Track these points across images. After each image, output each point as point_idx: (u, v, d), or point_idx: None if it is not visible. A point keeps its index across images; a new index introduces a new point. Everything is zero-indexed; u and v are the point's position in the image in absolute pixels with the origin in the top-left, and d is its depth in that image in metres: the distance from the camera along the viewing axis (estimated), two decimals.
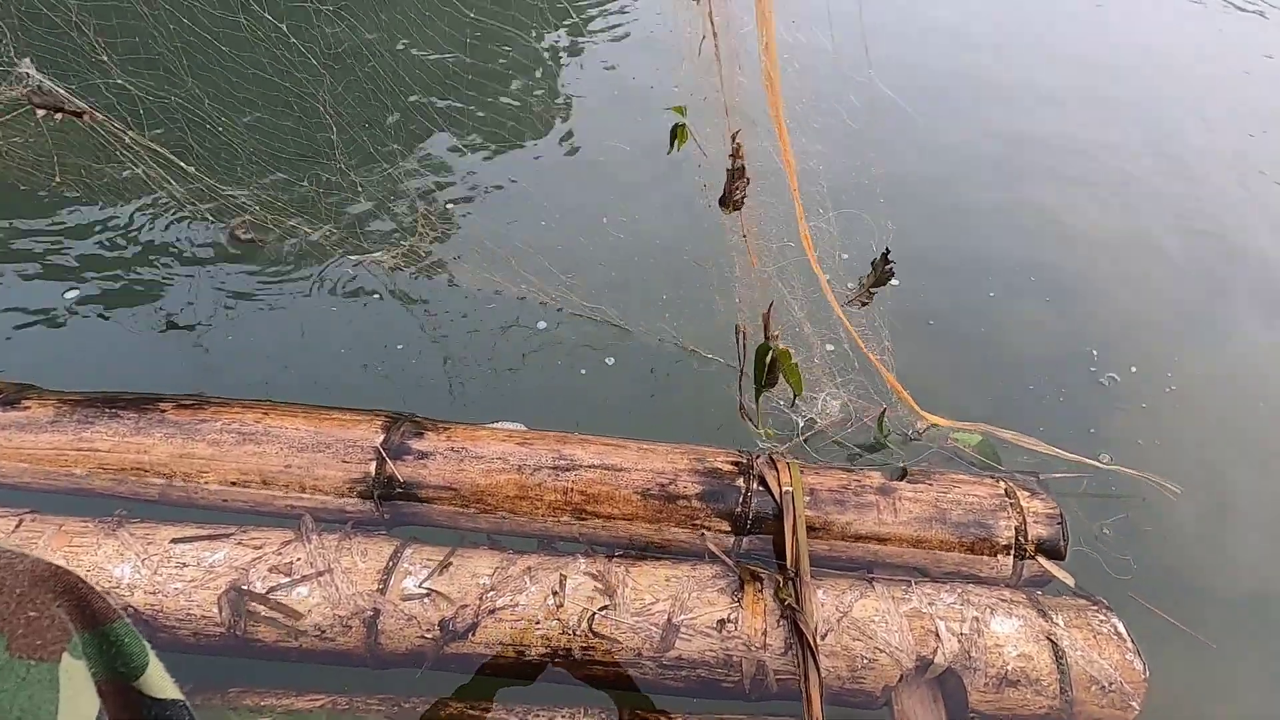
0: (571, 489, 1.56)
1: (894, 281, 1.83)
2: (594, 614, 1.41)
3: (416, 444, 1.60)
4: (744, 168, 1.62)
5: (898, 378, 1.92)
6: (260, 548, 1.46)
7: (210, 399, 1.67)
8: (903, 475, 1.68)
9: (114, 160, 2.24)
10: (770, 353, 1.78)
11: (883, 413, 2.07)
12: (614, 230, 2.68)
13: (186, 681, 1.35)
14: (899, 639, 1.41)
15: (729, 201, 1.68)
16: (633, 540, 1.58)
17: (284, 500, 1.56)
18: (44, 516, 1.50)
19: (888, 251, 1.76)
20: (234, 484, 1.55)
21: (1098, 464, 1.98)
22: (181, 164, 2.25)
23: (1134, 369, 2.35)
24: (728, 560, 1.52)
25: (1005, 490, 1.66)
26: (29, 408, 1.59)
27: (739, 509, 1.57)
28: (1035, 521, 1.61)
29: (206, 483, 1.55)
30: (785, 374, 1.80)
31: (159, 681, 0.51)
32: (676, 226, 2.69)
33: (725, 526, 1.57)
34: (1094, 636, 1.45)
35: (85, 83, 2.12)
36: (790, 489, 1.58)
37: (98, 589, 0.50)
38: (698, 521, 1.57)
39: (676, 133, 1.61)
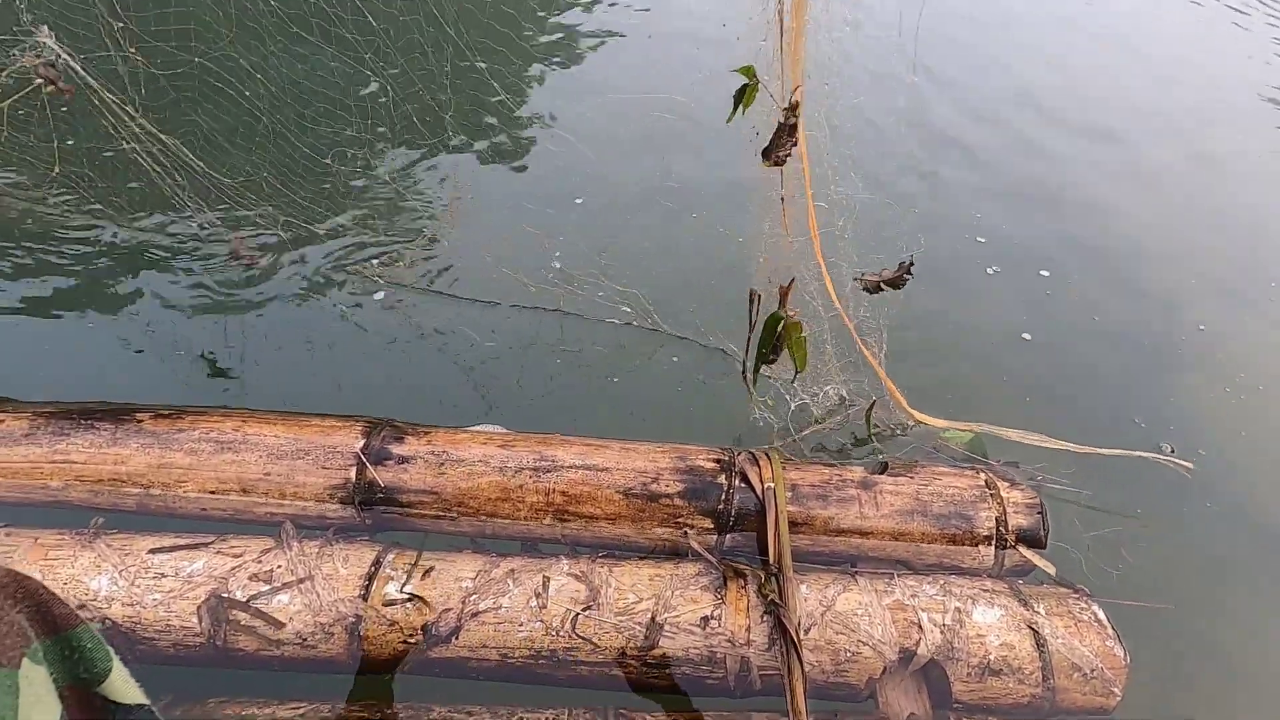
0: (553, 490, 1.56)
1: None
2: (577, 615, 1.41)
3: (397, 449, 1.59)
4: (796, 126, 1.61)
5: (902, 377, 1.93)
6: (240, 556, 1.45)
7: (188, 408, 1.65)
8: (884, 469, 1.69)
9: (117, 145, 2.16)
10: (781, 323, 1.74)
11: (871, 405, 2.06)
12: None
13: (166, 693, 1.33)
14: (882, 631, 1.42)
15: (772, 154, 1.66)
16: (616, 540, 1.58)
17: (264, 508, 1.55)
18: (19, 529, 1.48)
19: (912, 263, 1.79)
20: (213, 493, 1.54)
21: (1101, 451, 1.98)
22: (188, 154, 2.17)
23: None
24: (710, 558, 1.52)
25: (985, 481, 1.67)
26: (2, 420, 1.58)
27: (721, 506, 1.57)
28: (1015, 511, 1.62)
29: (185, 492, 1.54)
30: (791, 348, 1.76)
31: (122, 687, 0.51)
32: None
33: (708, 524, 1.57)
34: (1075, 624, 1.46)
35: (98, 57, 2.06)
36: (772, 485, 1.58)
37: (59, 595, 0.50)
38: (680, 519, 1.57)
39: (744, 95, 1.58)
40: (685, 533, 1.57)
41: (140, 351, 2.20)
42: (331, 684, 1.41)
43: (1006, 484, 1.67)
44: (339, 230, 2.61)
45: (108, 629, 1.36)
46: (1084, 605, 1.50)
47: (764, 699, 1.41)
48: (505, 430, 1.71)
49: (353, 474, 1.55)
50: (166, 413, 1.63)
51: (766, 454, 1.67)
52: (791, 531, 1.56)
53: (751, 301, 1.80)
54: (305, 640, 1.38)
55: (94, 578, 1.39)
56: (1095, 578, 1.73)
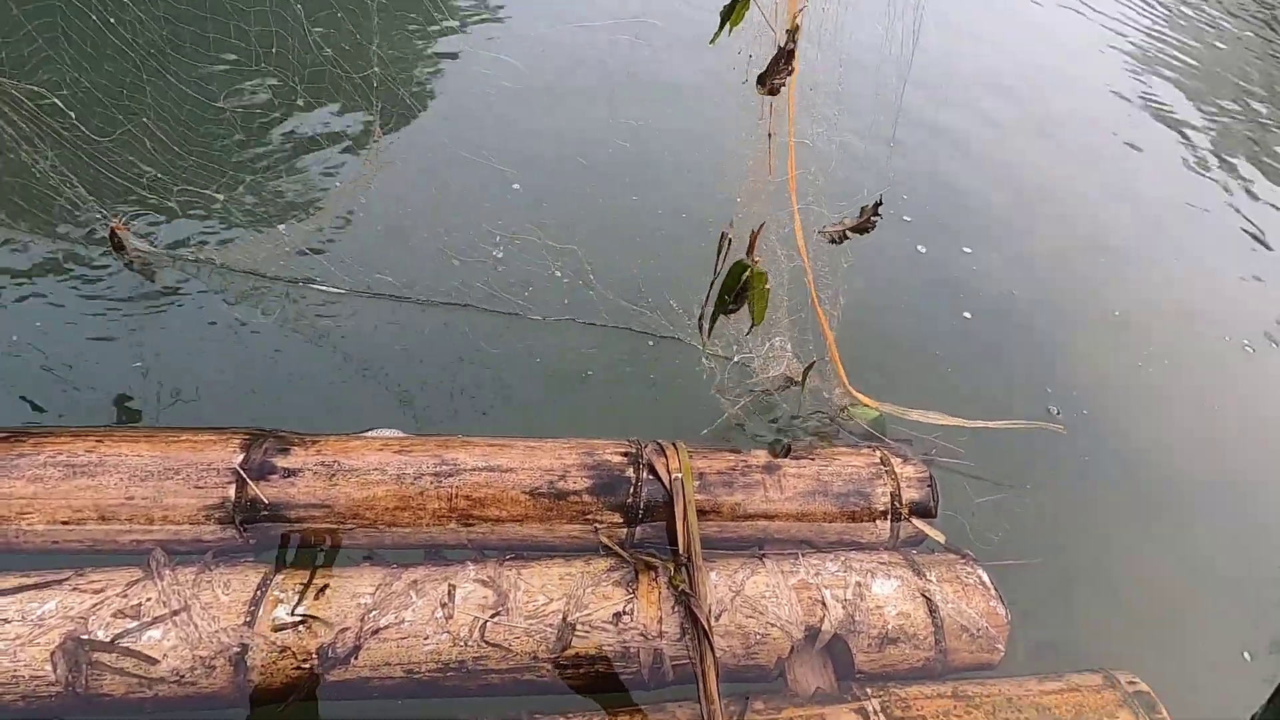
0: (456, 494, 1.50)
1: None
2: (485, 622, 1.36)
3: (282, 461, 1.48)
4: (794, 52, 1.51)
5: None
6: (101, 591, 1.30)
7: (30, 430, 1.47)
8: (787, 452, 1.73)
9: None
10: (747, 271, 1.65)
11: (810, 366, 2.05)
12: None
13: None
14: (789, 612, 1.46)
15: (768, 81, 1.56)
16: (524, 541, 1.54)
17: (128, 535, 1.41)
18: None
19: (880, 203, 1.70)
20: (65, 523, 1.38)
21: (990, 424, 2.10)
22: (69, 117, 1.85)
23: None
24: (621, 552, 1.51)
25: (881, 459, 1.75)
26: None
27: (630, 499, 1.56)
28: (908, 485, 1.71)
29: (30, 524, 1.37)
30: (753, 298, 1.69)
31: None
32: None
33: (617, 518, 1.56)
34: (963, 588, 1.55)
35: None
36: (679, 475, 1.59)
37: None
38: (589, 516, 1.55)
39: (733, 11, 1.47)
40: (595, 529, 1.55)
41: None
42: None
43: (899, 460, 1.75)
44: (221, 211, 2.36)
45: None
46: (970, 569, 1.60)
47: (679, 688, 1.42)
48: (403, 434, 1.63)
49: (231, 492, 1.43)
50: (2, 434, 1.44)
51: (674, 444, 1.67)
52: (700, 519, 1.58)
53: (721, 244, 1.68)
54: (183, 677, 1.26)
55: None
56: (980, 542, 1.85)
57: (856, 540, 1.67)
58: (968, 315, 2.62)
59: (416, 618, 1.36)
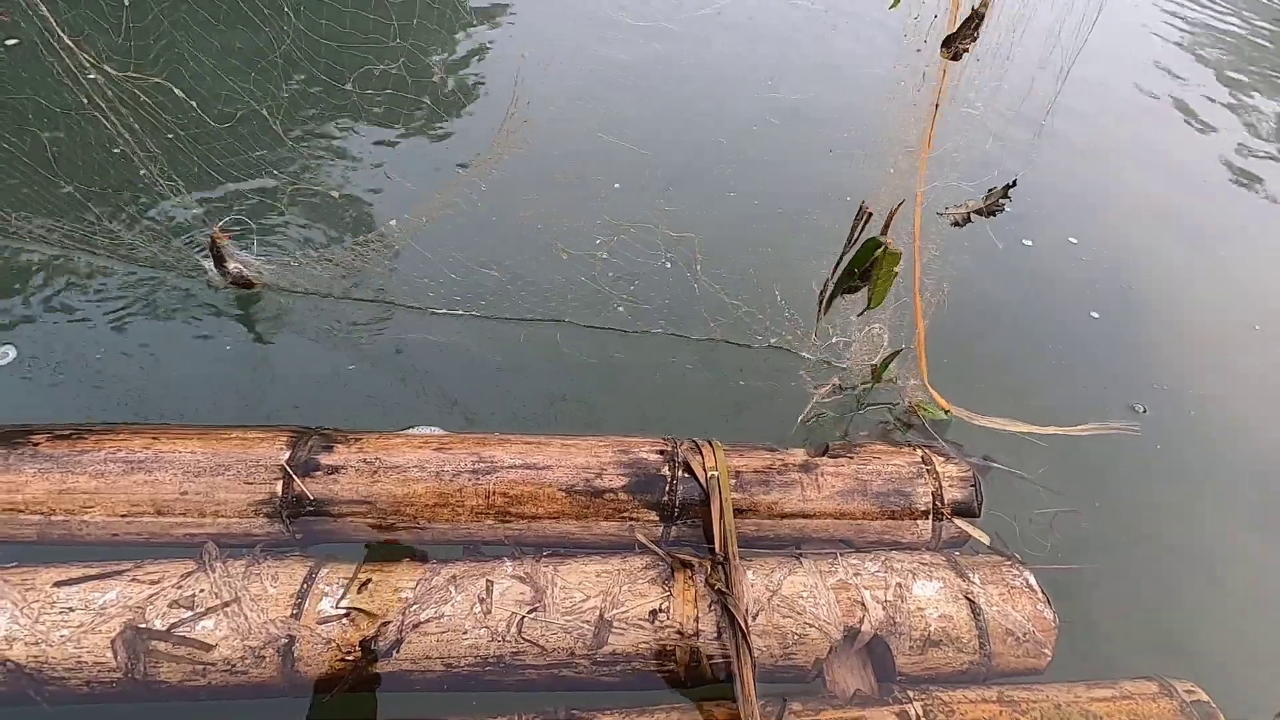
0: (494, 492, 1.52)
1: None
2: (523, 618, 1.38)
3: (326, 458, 1.52)
4: (985, 15, 1.48)
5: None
6: (158, 582, 1.35)
7: (91, 427, 1.54)
8: (825, 451, 1.71)
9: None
10: (879, 249, 1.61)
11: (895, 354, 2.00)
12: None
13: None
14: (827, 612, 1.44)
15: (953, 45, 1.53)
16: (561, 538, 1.55)
17: (182, 529, 1.46)
18: None
19: (1013, 184, 1.64)
20: (124, 516, 1.44)
21: (1067, 431, 2.03)
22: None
23: None
24: (657, 550, 1.51)
25: (922, 458, 1.71)
26: None
27: (666, 497, 1.56)
28: (950, 485, 1.67)
29: (92, 518, 1.43)
30: (877, 278, 1.65)
31: None
32: None
33: (653, 516, 1.56)
34: (1008, 591, 1.51)
35: None
36: (716, 473, 1.58)
37: None
38: (625, 513, 1.55)
39: None
40: (631, 526, 1.56)
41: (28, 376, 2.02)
42: (265, 710, 1.34)
43: (941, 459, 1.71)
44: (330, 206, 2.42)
45: (10, 672, 1.25)
46: (1015, 572, 1.55)
47: (715, 687, 1.41)
48: (442, 432, 1.66)
49: (279, 487, 1.47)
50: (66, 433, 1.51)
51: (709, 442, 1.66)
52: (736, 518, 1.57)
53: (859, 217, 1.64)
54: (234, 666, 1.31)
55: None
56: (1032, 549, 1.79)
57: (897, 540, 1.64)
58: (1095, 315, 2.53)
59: (456, 612, 1.38)
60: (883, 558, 1.56)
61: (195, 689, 1.31)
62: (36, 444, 1.47)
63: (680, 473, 1.59)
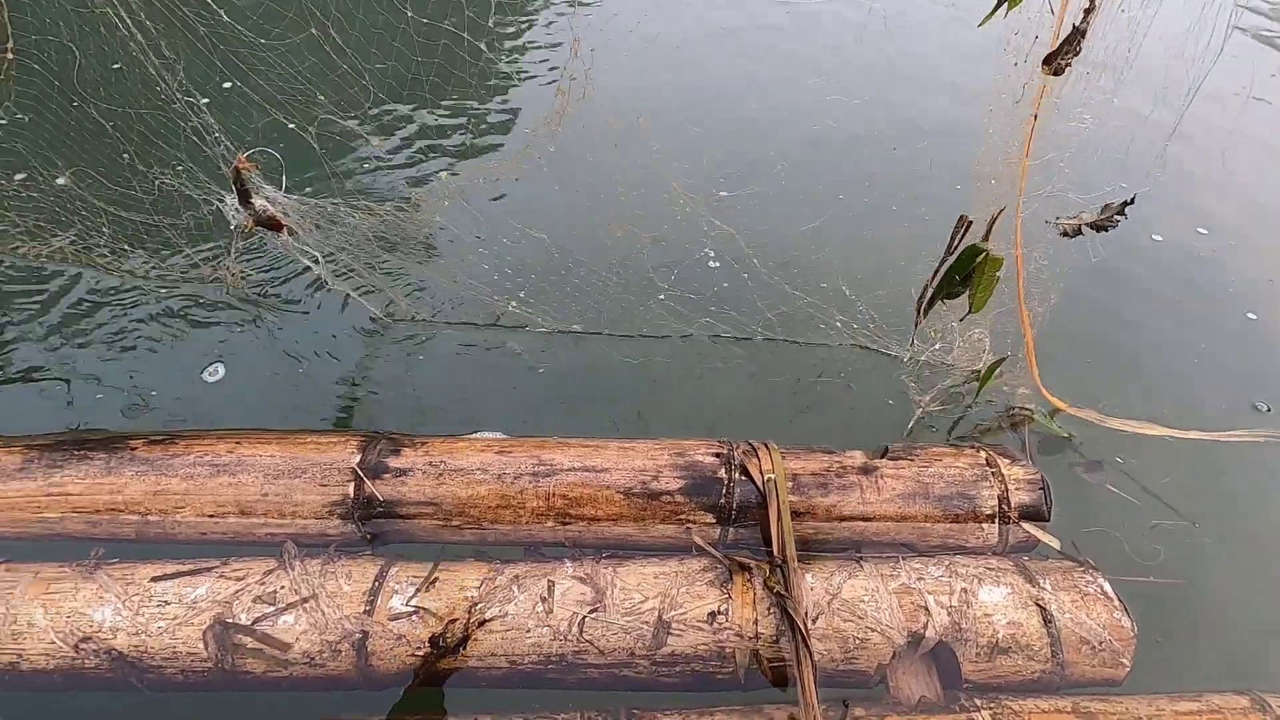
0: (553, 494, 1.55)
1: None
2: (584, 617, 1.41)
3: (394, 461, 1.58)
4: (1087, 31, 1.49)
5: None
6: (243, 579, 1.44)
7: (180, 433, 1.64)
8: (884, 453, 1.68)
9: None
10: (981, 256, 1.61)
11: (999, 362, 1.96)
12: None
13: None
14: (889, 617, 1.42)
15: (1054, 61, 1.54)
16: (619, 540, 1.58)
17: (264, 529, 1.55)
18: (18, 565, 1.47)
19: (1130, 202, 1.63)
20: (211, 516, 1.54)
21: (1203, 435, 1.93)
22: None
23: None
24: (715, 552, 1.52)
25: (986, 460, 1.67)
26: None
27: (723, 500, 1.57)
28: (1017, 488, 1.62)
29: (183, 517, 1.53)
30: (977, 285, 1.65)
31: None
32: None
33: (710, 519, 1.57)
34: (1081, 598, 1.46)
35: None
36: (773, 475, 1.58)
37: None
38: (682, 516, 1.57)
39: None
40: (688, 529, 1.57)
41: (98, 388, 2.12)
42: (341, 701, 1.41)
43: (1007, 460, 1.67)
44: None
45: (114, 660, 1.35)
46: (1090, 578, 1.50)
47: (775, 690, 1.41)
48: (503, 436, 1.70)
49: (351, 489, 1.55)
50: (159, 439, 1.62)
51: (765, 445, 1.66)
52: (794, 521, 1.56)
53: (959, 226, 1.65)
54: (313, 660, 1.38)
55: (97, 609, 1.39)
56: (1143, 560, 1.71)
57: (961, 544, 1.60)
58: (1252, 316, 2.41)
59: (519, 611, 1.41)
60: (946, 562, 1.52)
61: (278, 680, 1.38)
62: (134, 448, 1.58)
63: (737, 475, 1.59)
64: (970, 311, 1.73)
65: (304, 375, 2.13)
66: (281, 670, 1.38)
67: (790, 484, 1.59)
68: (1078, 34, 1.50)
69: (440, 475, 1.56)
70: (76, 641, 1.36)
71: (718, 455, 1.63)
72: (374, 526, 1.56)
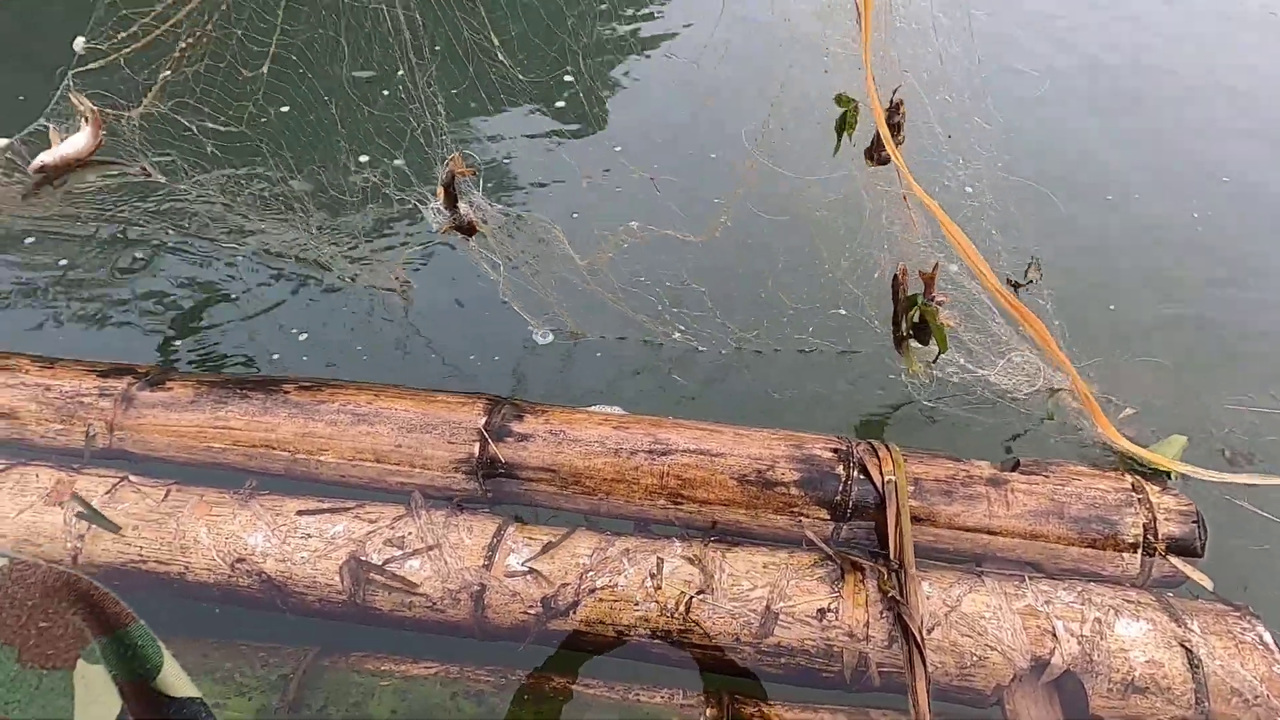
0: (668, 473, 1.57)
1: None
2: (691, 598, 1.42)
3: (517, 426, 1.64)
4: (901, 125, 1.64)
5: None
6: (375, 521, 1.54)
7: (328, 381, 1.77)
8: (1015, 466, 1.59)
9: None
10: (915, 308, 1.76)
11: (1055, 392, 1.95)
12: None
13: (314, 643, 1.45)
14: (1012, 637, 1.35)
15: (874, 154, 1.70)
16: (729, 525, 1.58)
17: (395, 477, 1.65)
18: (186, 487, 1.63)
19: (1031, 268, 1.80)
20: (350, 460, 1.65)
21: None
22: None
23: None
24: (827, 549, 1.49)
25: (1132, 485, 1.54)
26: (172, 388, 1.74)
27: (838, 497, 1.53)
28: (1166, 518, 1.49)
29: (326, 459, 1.65)
30: (933, 331, 1.78)
31: (175, 680, 0.52)
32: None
33: (824, 514, 1.54)
34: (1235, 645, 1.33)
35: None
36: (893, 477, 1.53)
37: (111, 595, 0.51)
38: (795, 508, 1.54)
39: (844, 121, 1.66)
40: (800, 522, 1.55)
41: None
42: (458, 646, 1.49)
43: (1157, 489, 1.54)
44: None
45: (263, 581, 1.49)
46: (1246, 625, 1.37)
47: (882, 695, 1.38)
48: (622, 411, 1.73)
49: (476, 449, 1.62)
50: (309, 385, 1.75)
51: (886, 445, 1.61)
52: (912, 526, 1.51)
53: (895, 281, 1.80)
54: (434, 604, 1.46)
55: (250, 534, 1.52)
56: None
57: (1096, 571, 1.50)
58: None
59: (628, 584, 1.44)
60: (1079, 588, 1.43)
61: (402, 619, 1.48)
62: (287, 391, 1.72)
63: (855, 473, 1.55)
64: (940, 351, 1.83)
65: (431, 332, 2.25)
66: (406, 610, 1.47)
67: (911, 488, 1.53)
68: (890, 128, 1.64)
69: (560, 444, 1.61)
70: (233, 561, 1.50)
71: (835, 451, 1.59)
72: (494, 485, 1.62)
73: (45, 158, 2.19)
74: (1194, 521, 1.49)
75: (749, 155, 1.98)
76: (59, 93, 2.08)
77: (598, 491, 1.59)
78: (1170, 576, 1.47)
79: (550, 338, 2.13)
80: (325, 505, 1.58)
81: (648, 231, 2.12)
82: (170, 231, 2.49)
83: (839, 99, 1.70)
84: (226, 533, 1.53)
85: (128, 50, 1.94)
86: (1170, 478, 1.62)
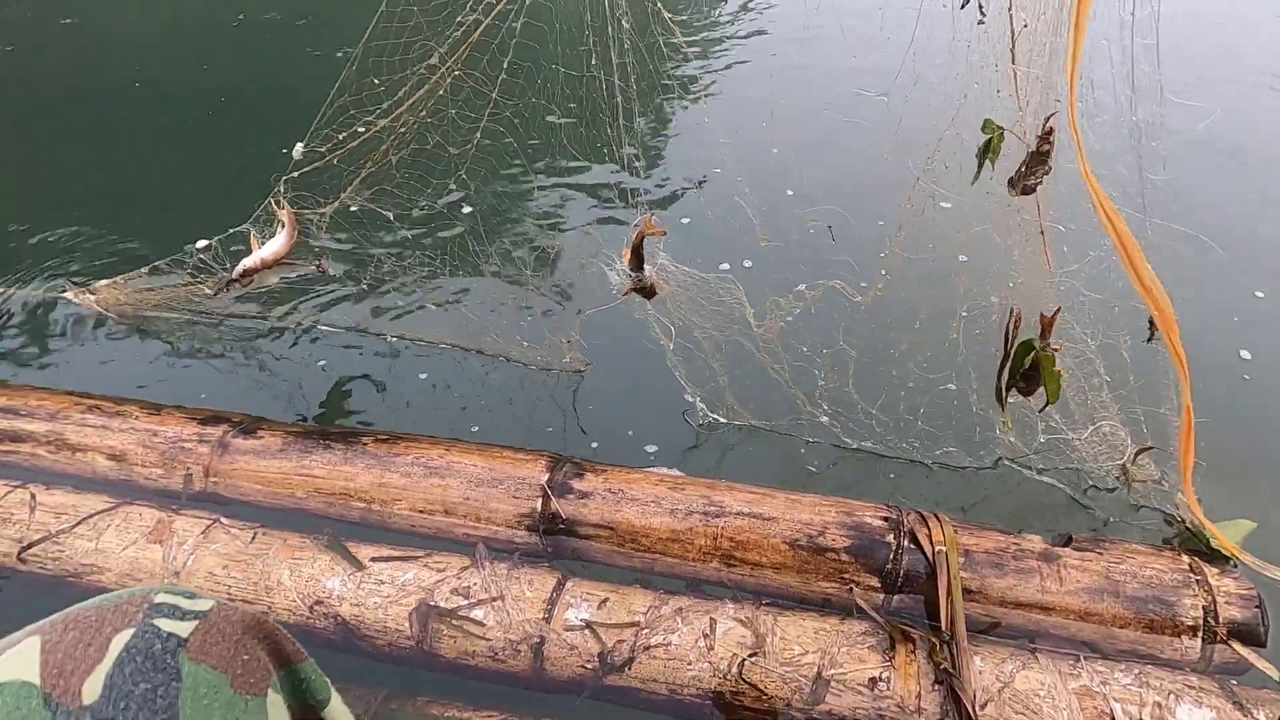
0: (721, 535, 1.63)
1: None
2: (744, 660, 1.46)
3: (577, 484, 1.73)
4: (1049, 152, 1.55)
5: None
6: (443, 571, 1.63)
7: (402, 435, 1.90)
8: (1067, 542, 1.60)
9: None
10: (1032, 352, 1.66)
11: (1143, 450, 1.88)
12: None
13: (382, 687, 1.53)
14: (1068, 718, 1.35)
15: (1018, 183, 1.60)
16: (779, 589, 1.62)
17: (462, 529, 1.74)
18: (271, 530, 1.76)
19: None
20: (421, 511, 1.76)
21: None
22: None
23: None
24: (878, 618, 1.52)
25: (1190, 565, 1.54)
26: (263, 437, 1.89)
27: (889, 565, 1.56)
28: (1227, 602, 1.48)
29: (398, 509, 1.76)
30: (1044, 379, 1.68)
31: (340, 714, 0.59)
32: None
33: (874, 582, 1.57)
34: None
35: None
36: (944, 547, 1.56)
37: (288, 634, 0.58)
38: (846, 575, 1.58)
39: (989, 147, 1.58)
40: (851, 589, 1.58)
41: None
42: (516, 696, 1.55)
43: (1215, 571, 1.53)
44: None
45: (339, 624, 1.58)
46: None
47: None
48: (678, 473, 1.81)
49: (538, 504, 1.71)
50: (384, 437, 1.88)
51: (936, 515, 1.64)
52: (964, 598, 1.52)
53: (1009, 322, 1.71)
54: (496, 654, 1.53)
55: (329, 578, 1.63)
56: None
57: (1154, 654, 1.48)
58: None
59: (682, 643, 1.49)
60: (1136, 670, 1.42)
61: (464, 666, 1.55)
62: (365, 444, 1.85)
63: (905, 542, 1.58)
64: (1048, 402, 1.73)
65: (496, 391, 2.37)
66: (468, 659, 1.54)
67: (962, 560, 1.56)
68: (1036, 156, 1.55)
69: (618, 503, 1.69)
70: (311, 604, 1.60)
71: (886, 519, 1.63)
72: (554, 541, 1.71)
73: (248, 262, 2.19)
74: (1256, 606, 1.48)
75: (909, 191, 1.86)
76: (267, 198, 2.11)
77: (653, 549, 1.65)
78: (1231, 663, 1.45)
79: (709, 417, 2.09)
80: (397, 553, 1.68)
81: (815, 288, 2.04)
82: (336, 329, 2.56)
83: (985, 125, 1.60)
84: (307, 575, 1.64)
85: (344, 150, 1.97)
86: (1230, 562, 1.60)
